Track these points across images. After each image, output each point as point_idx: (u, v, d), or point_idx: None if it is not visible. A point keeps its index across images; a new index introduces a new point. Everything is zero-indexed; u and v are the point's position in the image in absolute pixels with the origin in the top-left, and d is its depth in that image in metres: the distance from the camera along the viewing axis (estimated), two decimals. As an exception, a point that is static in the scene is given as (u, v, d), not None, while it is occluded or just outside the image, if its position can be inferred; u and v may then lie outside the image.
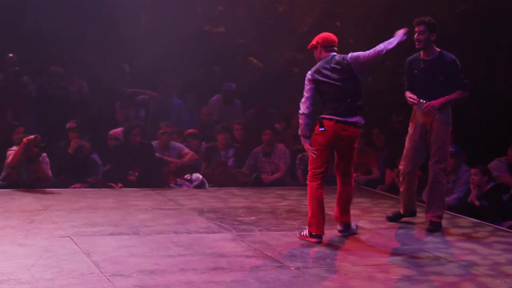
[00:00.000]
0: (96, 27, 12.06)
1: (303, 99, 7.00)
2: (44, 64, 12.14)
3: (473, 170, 9.07)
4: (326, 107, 7.05)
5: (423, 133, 7.70)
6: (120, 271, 5.76)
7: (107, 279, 5.56)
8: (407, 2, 12.69)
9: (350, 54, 7.02)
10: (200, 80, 12.96)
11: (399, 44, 7.04)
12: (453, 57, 7.64)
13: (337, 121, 6.99)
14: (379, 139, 11.44)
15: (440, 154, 7.62)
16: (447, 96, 7.53)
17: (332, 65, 7.01)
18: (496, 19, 11.45)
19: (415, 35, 7.59)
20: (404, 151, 7.88)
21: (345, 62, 6.99)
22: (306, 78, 7.05)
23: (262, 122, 11.47)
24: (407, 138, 7.87)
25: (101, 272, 5.71)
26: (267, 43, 13.60)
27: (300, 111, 7.00)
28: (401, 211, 8.05)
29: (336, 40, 7.20)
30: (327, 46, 7.12)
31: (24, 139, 9.34)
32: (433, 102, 7.49)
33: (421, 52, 7.69)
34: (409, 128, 7.85)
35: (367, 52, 6.99)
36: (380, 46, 7.00)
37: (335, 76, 6.99)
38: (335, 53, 7.11)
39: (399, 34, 7.11)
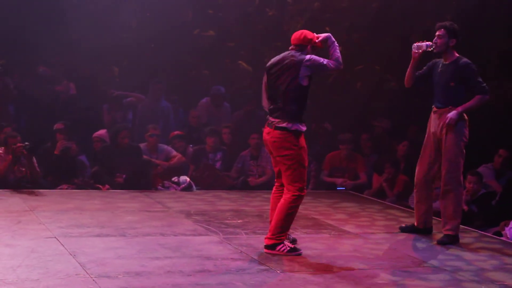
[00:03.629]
0: (85, 29, 12.03)
1: None
2: (32, 65, 12.13)
3: (470, 177, 8.97)
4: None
5: (435, 142, 7.53)
6: (106, 273, 5.76)
7: (93, 280, 5.56)
8: (397, 12, 12.77)
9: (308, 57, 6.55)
10: (189, 83, 12.96)
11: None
12: (467, 61, 7.42)
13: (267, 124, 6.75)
14: (366, 145, 11.49)
15: (448, 163, 7.40)
16: (464, 104, 7.38)
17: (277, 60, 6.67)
18: (483, 29, 11.54)
19: (434, 38, 7.45)
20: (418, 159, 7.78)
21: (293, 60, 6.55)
22: None
23: (250, 125, 11.50)
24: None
25: (87, 274, 5.71)
26: (256, 47, 13.61)
27: None
28: (415, 223, 7.85)
29: (295, 37, 6.77)
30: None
31: (14, 146, 9.33)
32: (452, 115, 7.34)
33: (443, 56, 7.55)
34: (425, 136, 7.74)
35: (320, 62, 6.53)
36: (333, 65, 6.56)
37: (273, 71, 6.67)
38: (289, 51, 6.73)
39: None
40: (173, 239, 7.05)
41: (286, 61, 6.61)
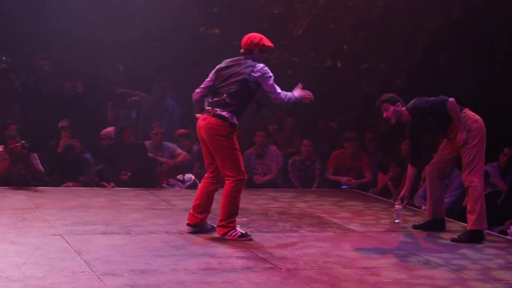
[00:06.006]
0: (91, 26, 12.05)
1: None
2: (37, 63, 12.15)
3: None
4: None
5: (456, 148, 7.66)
6: (112, 270, 5.76)
7: (98, 278, 5.56)
8: (403, 9, 12.77)
9: (257, 73, 6.90)
10: (194, 81, 12.94)
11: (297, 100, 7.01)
12: (412, 104, 7.62)
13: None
14: (370, 144, 11.48)
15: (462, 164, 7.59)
16: (455, 122, 7.47)
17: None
18: (489, 28, 11.53)
19: (383, 115, 7.67)
20: None
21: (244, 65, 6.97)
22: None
23: (255, 123, 11.49)
24: None
25: (92, 271, 5.71)
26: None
27: None
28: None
29: (243, 42, 7.20)
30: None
31: (11, 146, 9.33)
32: (460, 137, 7.45)
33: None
34: None
35: (271, 89, 6.91)
36: (282, 96, 6.91)
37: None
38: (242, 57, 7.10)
39: (299, 93, 7.03)
40: (178, 237, 7.05)
41: (240, 67, 6.98)
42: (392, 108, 7.63)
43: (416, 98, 7.67)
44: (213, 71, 7.19)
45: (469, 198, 7.51)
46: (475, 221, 7.47)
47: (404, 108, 7.67)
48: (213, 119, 6.89)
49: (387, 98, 7.68)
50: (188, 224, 7.21)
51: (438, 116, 7.55)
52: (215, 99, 6.99)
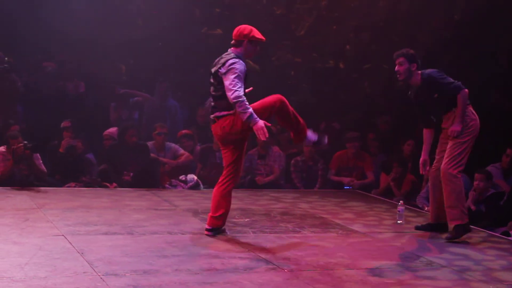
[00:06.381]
0: (92, 27, 12.04)
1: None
2: (40, 63, 12.15)
3: (477, 175, 8.96)
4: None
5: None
6: (114, 271, 5.76)
7: (101, 278, 5.56)
8: (405, 11, 12.77)
9: (224, 68, 6.88)
10: (197, 82, 12.96)
11: (246, 118, 6.83)
12: (429, 72, 7.53)
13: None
14: (372, 144, 11.48)
15: (445, 155, 7.49)
16: (457, 113, 7.41)
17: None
18: (491, 29, 11.53)
19: (396, 67, 7.58)
20: None
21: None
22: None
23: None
24: None
25: (95, 272, 5.71)
26: (263, 46, 13.57)
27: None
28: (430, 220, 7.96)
29: (233, 33, 7.12)
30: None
31: (14, 147, 9.34)
32: (454, 128, 7.39)
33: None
34: None
35: (228, 84, 6.83)
36: (237, 97, 6.82)
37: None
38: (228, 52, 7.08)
39: (257, 123, 6.86)
40: (181, 237, 7.05)
41: (218, 64, 6.96)
42: (407, 65, 7.51)
43: (435, 70, 7.55)
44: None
45: (450, 191, 7.40)
46: (459, 216, 7.43)
47: (419, 72, 7.56)
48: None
49: (407, 53, 7.54)
50: (208, 229, 7.12)
51: (445, 98, 7.47)
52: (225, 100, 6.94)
